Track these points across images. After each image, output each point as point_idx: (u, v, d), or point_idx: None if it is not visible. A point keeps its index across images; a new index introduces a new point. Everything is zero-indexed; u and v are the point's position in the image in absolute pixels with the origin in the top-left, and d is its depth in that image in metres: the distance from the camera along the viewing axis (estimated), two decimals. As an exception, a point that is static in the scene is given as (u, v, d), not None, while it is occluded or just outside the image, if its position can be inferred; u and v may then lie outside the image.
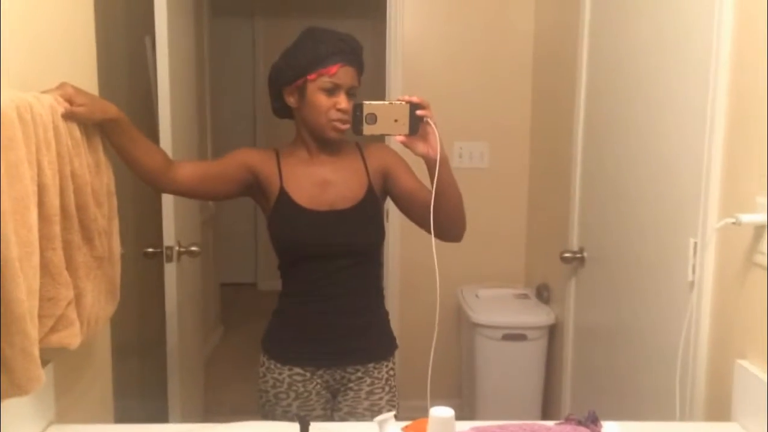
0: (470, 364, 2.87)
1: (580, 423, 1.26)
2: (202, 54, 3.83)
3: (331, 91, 1.57)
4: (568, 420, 1.28)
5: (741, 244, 1.38)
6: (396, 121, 1.34)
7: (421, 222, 1.57)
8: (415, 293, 3.08)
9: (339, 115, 1.57)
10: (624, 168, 1.98)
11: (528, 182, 3.15)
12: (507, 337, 2.71)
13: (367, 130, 1.34)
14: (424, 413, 1.13)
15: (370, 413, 1.65)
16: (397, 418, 1.21)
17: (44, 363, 1.19)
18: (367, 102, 1.34)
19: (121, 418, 1.75)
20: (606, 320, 2.15)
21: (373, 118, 1.34)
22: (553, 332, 2.75)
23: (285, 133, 1.79)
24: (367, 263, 1.67)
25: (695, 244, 1.54)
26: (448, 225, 1.54)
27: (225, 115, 5.21)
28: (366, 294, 1.69)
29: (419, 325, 2.78)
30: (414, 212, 1.62)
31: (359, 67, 1.61)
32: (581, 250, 2.33)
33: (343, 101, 1.57)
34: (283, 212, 1.62)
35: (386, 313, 1.76)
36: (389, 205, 1.75)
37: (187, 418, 2.50)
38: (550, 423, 1.28)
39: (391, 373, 1.72)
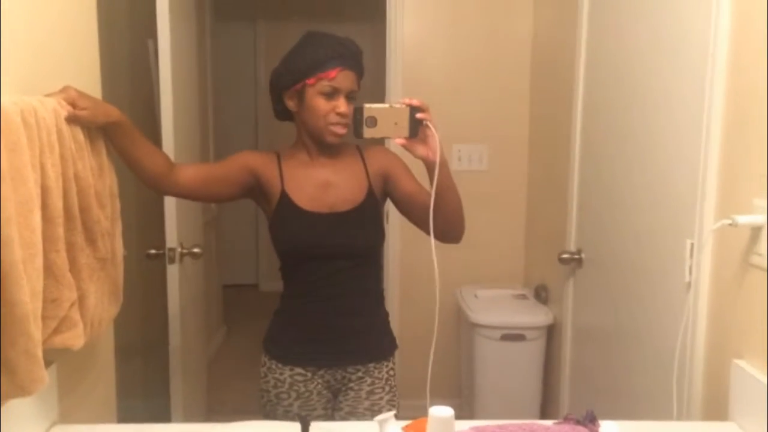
0: (469, 364, 2.88)
1: (578, 422, 1.27)
2: (204, 57, 3.85)
3: (331, 95, 1.57)
4: (566, 419, 1.28)
5: (738, 246, 1.39)
6: (396, 124, 1.36)
7: (421, 224, 1.58)
8: (415, 294, 3.09)
9: (338, 119, 1.58)
10: (621, 169, 1.99)
11: (526, 184, 3.16)
12: (506, 338, 2.72)
13: (368, 133, 1.35)
14: (424, 413, 1.13)
15: (370, 413, 1.66)
16: (397, 417, 1.22)
17: (47, 364, 1.20)
18: (367, 105, 1.35)
19: (124, 418, 1.76)
20: (604, 320, 2.16)
21: (373, 121, 1.35)
22: (551, 332, 2.76)
23: (286, 136, 1.81)
24: (367, 265, 1.69)
25: (692, 245, 1.55)
26: (448, 227, 1.55)
27: (227, 118, 5.22)
28: (366, 295, 1.70)
29: (419, 325, 2.79)
30: (414, 214, 1.63)
31: (359, 71, 1.62)
32: (579, 251, 2.34)
33: (342, 105, 1.58)
34: (284, 214, 1.63)
35: (386, 314, 1.77)
36: (389, 206, 1.76)
37: (189, 417, 2.51)
38: (548, 422, 1.28)
39: (392, 373, 1.73)
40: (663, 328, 1.70)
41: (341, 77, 1.57)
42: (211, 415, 3.08)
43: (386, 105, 1.37)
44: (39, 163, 1.11)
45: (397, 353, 1.77)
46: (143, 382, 2.70)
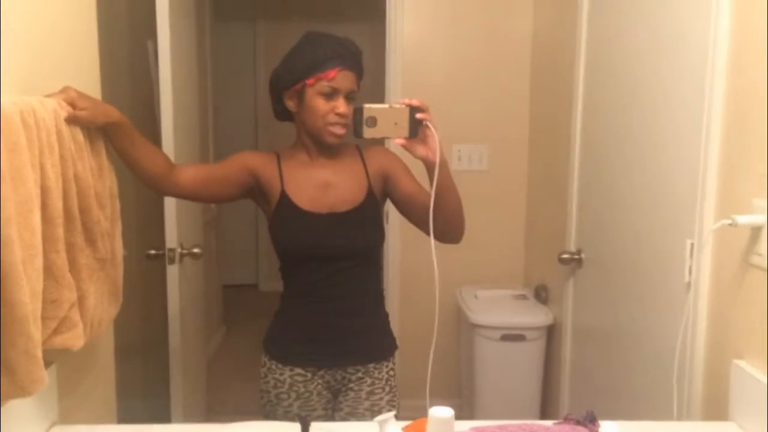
0: (469, 365, 2.88)
1: (578, 423, 1.27)
2: (204, 58, 3.85)
3: (330, 95, 1.57)
4: (566, 420, 1.28)
5: (738, 246, 1.39)
6: (396, 124, 1.36)
7: (421, 224, 1.58)
8: (415, 294, 3.09)
9: (337, 119, 1.58)
10: (621, 170, 1.99)
11: (526, 184, 3.16)
12: (506, 338, 2.72)
13: (367, 133, 1.35)
14: (424, 413, 1.13)
15: (370, 413, 1.66)
16: (397, 418, 1.22)
17: (47, 364, 1.20)
18: (367, 105, 1.35)
19: (124, 418, 1.76)
20: (604, 321, 2.16)
21: (373, 121, 1.35)
22: (551, 333, 2.76)
23: (286, 137, 1.81)
24: (366, 265, 1.69)
25: (692, 245, 1.55)
26: (448, 227, 1.55)
27: (227, 119, 5.22)
28: (366, 295, 1.70)
29: (419, 325, 2.79)
30: (414, 215, 1.63)
31: (358, 71, 1.62)
32: (579, 252, 2.34)
33: (341, 105, 1.58)
34: (283, 215, 1.63)
35: (386, 314, 1.77)
36: (389, 207, 1.76)
37: (189, 418, 2.51)
38: (548, 423, 1.28)
39: (392, 373, 1.73)
40: (663, 329, 1.70)
41: (340, 77, 1.57)
42: (211, 415, 3.08)
43: (386, 105, 1.37)
44: (39, 163, 1.11)
45: (397, 353, 1.77)
46: (143, 382, 2.70)
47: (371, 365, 1.69)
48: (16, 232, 1.01)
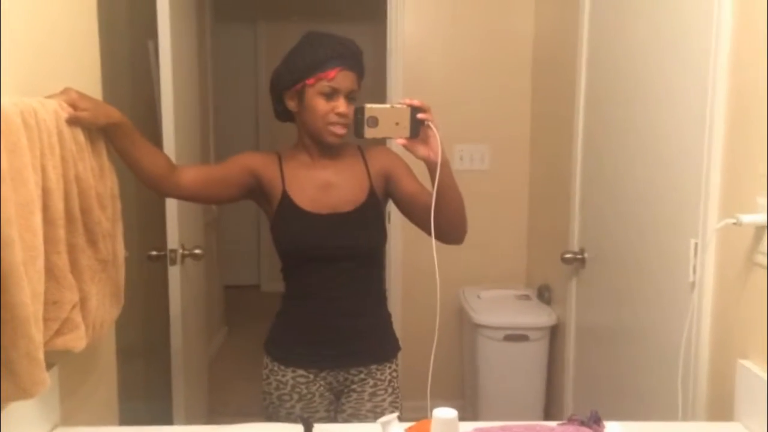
0: (472, 365, 2.87)
1: (582, 423, 1.26)
2: (205, 58, 3.84)
3: (330, 95, 1.57)
4: (570, 420, 1.28)
5: (742, 245, 1.39)
6: (397, 124, 1.35)
7: (423, 224, 1.58)
8: (418, 295, 3.08)
9: (337, 119, 1.58)
10: (624, 169, 1.98)
11: (528, 184, 3.16)
12: (509, 338, 2.72)
13: (369, 133, 1.35)
14: (427, 414, 1.13)
15: (373, 415, 1.66)
16: (400, 419, 1.21)
17: (49, 366, 1.19)
18: (368, 105, 1.34)
19: (125, 420, 1.76)
20: (607, 321, 2.15)
21: (374, 122, 1.34)
22: (554, 333, 2.76)
23: (287, 137, 1.80)
24: (369, 266, 1.68)
25: (696, 244, 1.54)
26: (450, 227, 1.54)
27: (228, 119, 5.22)
28: (368, 296, 1.69)
29: (422, 326, 2.78)
30: (415, 215, 1.63)
31: (359, 71, 1.62)
32: (582, 251, 2.33)
33: (341, 105, 1.57)
34: (285, 215, 1.63)
35: (389, 315, 1.77)
36: (391, 207, 1.75)
37: (191, 419, 2.50)
38: (552, 423, 1.28)
39: (394, 374, 1.73)
40: (667, 328, 1.69)
41: (341, 77, 1.57)
42: (213, 416, 3.07)
43: (387, 105, 1.36)
44: (40, 164, 1.10)
45: (399, 355, 1.76)
46: (145, 383, 2.70)
47: (374, 366, 1.69)
48: (17, 234, 1.01)
